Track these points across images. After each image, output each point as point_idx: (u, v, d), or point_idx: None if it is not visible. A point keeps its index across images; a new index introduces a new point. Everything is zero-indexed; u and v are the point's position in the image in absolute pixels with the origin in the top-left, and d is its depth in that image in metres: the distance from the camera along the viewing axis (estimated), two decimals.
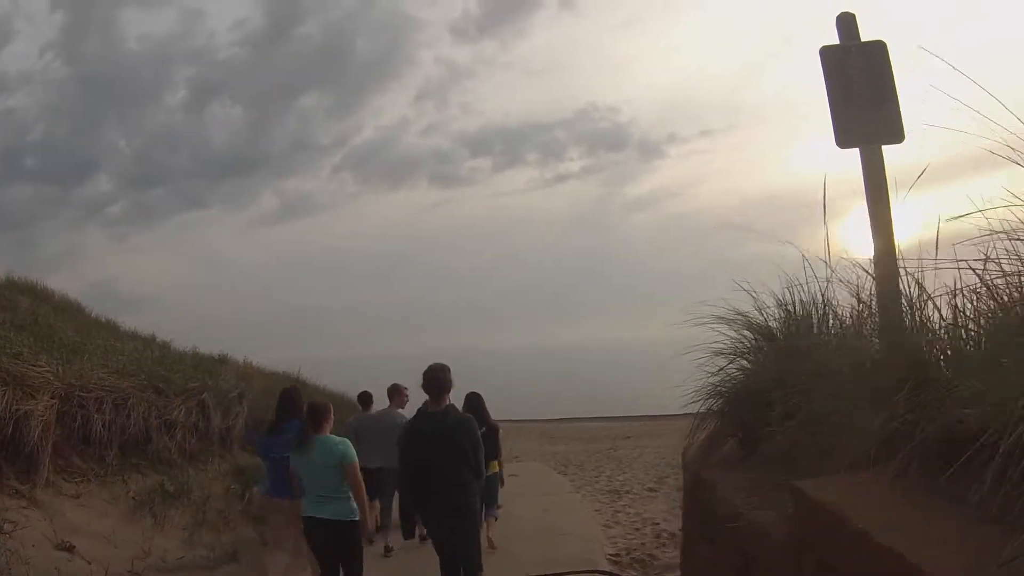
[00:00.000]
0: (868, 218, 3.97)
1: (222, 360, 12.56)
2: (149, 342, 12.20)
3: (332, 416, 5.56)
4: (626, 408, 33.35)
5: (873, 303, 3.86)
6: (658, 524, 9.51)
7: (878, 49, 4.20)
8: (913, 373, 2.36)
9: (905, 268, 2.79)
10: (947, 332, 2.60)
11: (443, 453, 5.02)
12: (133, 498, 7.30)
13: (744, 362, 4.43)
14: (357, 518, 5.29)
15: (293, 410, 6.37)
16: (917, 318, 2.76)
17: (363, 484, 5.37)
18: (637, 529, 9.52)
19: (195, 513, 7.81)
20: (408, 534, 8.32)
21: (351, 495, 5.27)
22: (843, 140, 4.09)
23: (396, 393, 8.52)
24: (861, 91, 4.15)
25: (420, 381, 5.19)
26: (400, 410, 8.34)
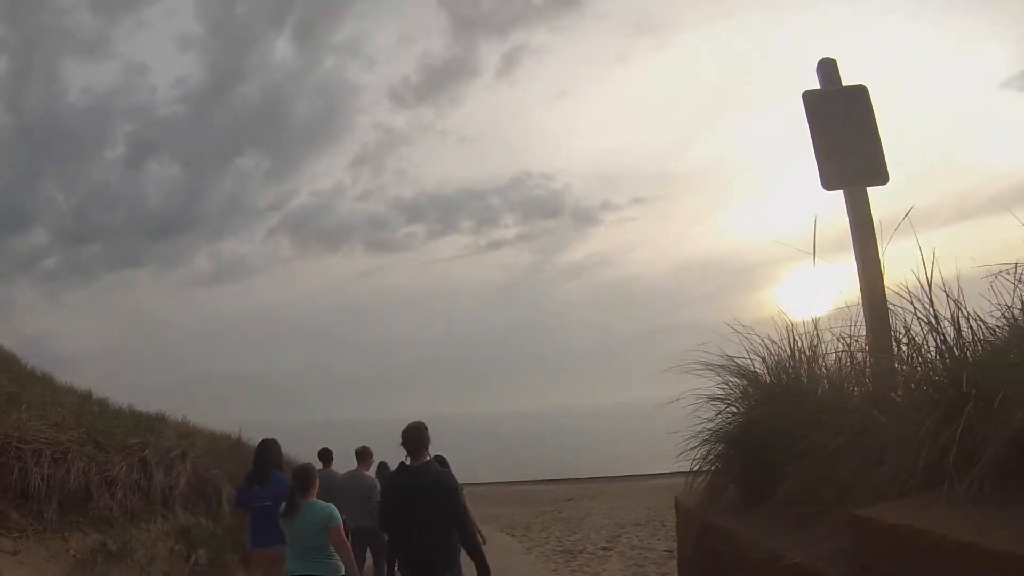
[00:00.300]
0: (855, 259, 4.04)
1: (160, 419, 11.93)
2: (86, 397, 11.50)
3: (317, 480, 5.60)
4: (561, 471, 33.11)
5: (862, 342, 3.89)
6: None
7: (860, 93, 4.32)
8: (973, 388, 2.30)
9: (946, 291, 2.75)
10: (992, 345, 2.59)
11: (423, 507, 4.98)
12: (74, 556, 6.74)
13: (735, 408, 4.36)
14: (340, 573, 5.35)
15: (272, 460, 6.43)
16: (958, 335, 2.72)
17: (348, 543, 5.47)
18: None
19: (139, 574, 7.27)
20: None
21: (336, 554, 5.34)
22: (828, 183, 4.19)
23: (366, 456, 8.72)
24: (845, 134, 4.25)
25: (399, 439, 5.18)
26: (367, 472, 8.61)
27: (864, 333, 3.85)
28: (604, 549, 11.80)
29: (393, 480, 5.24)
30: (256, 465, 6.44)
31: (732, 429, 4.14)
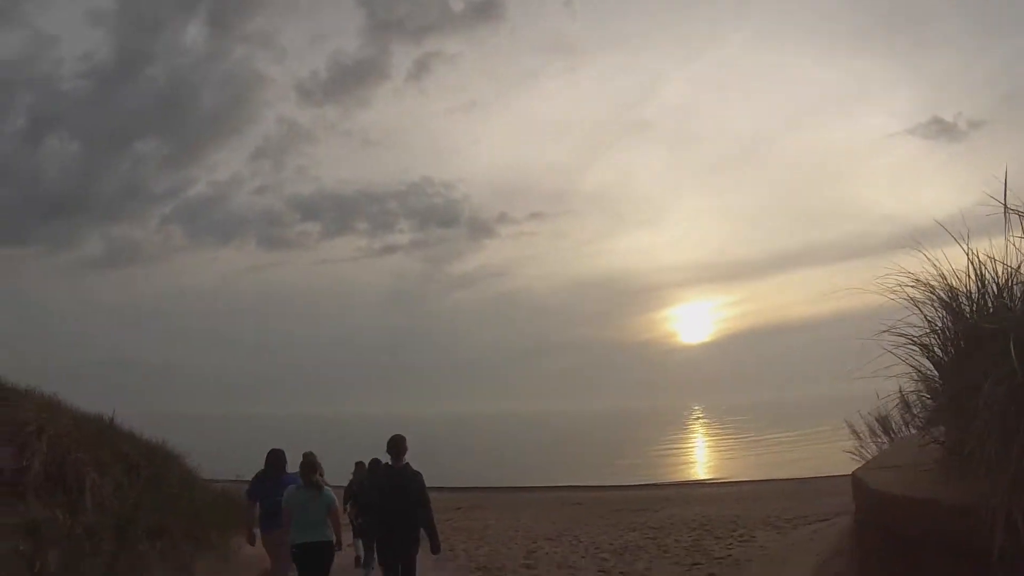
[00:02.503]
0: None
1: (17, 390, 9.52)
2: None
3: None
4: (446, 480, 31.66)
5: None
6: None
7: None
8: None
9: None
10: None
11: (404, 500, 6.52)
12: None
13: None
14: (333, 539, 6.88)
15: (281, 465, 7.90)
16: None
17: (340, 519, 7.12)
18: None
19: None
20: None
21: (330, 525, 6.86)
22: None
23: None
24: None
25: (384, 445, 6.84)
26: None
27: None
28: (527, 567, 10.31)
29: (383, 477, 6.97)
30: (268, 467, 7.88)
31: None
